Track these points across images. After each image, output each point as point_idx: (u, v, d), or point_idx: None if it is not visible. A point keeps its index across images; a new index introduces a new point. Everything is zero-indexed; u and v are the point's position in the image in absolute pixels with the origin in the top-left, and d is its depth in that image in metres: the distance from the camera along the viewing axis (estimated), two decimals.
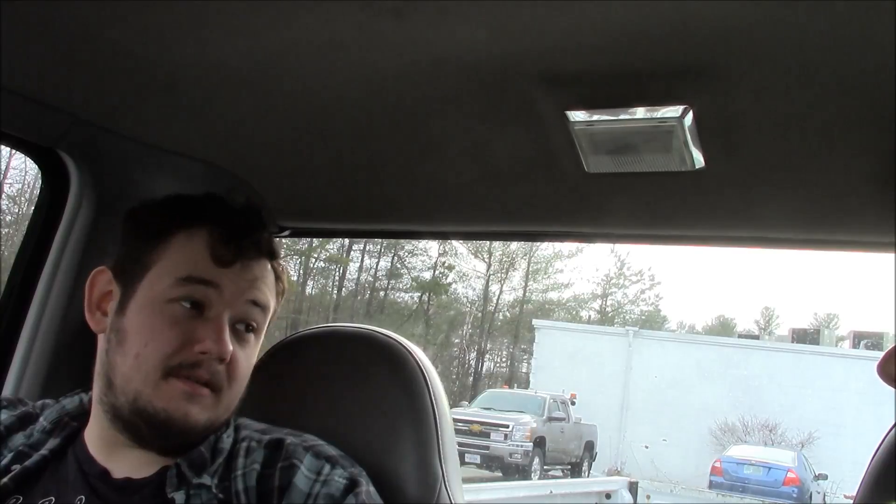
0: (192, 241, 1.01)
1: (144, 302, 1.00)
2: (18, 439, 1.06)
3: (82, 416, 1.07)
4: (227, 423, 1.06)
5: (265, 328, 1.08)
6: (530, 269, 32.25)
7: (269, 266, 1.08)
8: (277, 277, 1.09)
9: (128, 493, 0.99)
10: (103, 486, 1.00)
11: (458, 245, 29.74)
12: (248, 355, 1.05)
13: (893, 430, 1.08)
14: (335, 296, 31.70)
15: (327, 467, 1.01)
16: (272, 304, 1.08)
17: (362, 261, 31.53)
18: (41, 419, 1.08)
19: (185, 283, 1.00)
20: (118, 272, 1.05)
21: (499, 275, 31.70)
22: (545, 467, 16.54)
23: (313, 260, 30.92)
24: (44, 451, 1.03)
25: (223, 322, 1.00)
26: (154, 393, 0.97)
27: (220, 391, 1.01)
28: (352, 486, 1.00)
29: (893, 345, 0.90)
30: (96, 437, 1.03)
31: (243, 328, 1.04)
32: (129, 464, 1.01)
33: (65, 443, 1.05)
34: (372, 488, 1.03)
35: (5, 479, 1.00)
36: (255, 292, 1.04)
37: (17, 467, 1.01)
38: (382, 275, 31.90)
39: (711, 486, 17.63)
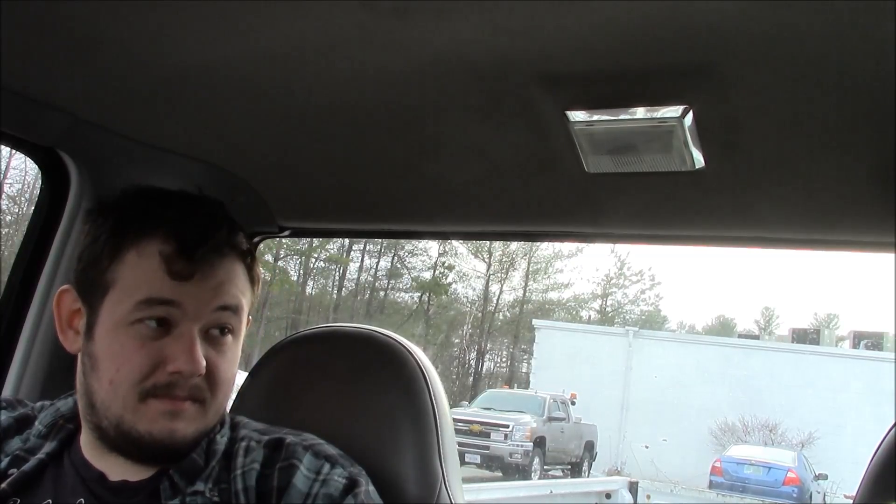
0: (145, 259, 0.96)
1: (109, 326, 0.97)
2: (15, 443, 1.05)
3: (78, 417, 1.06)
4: (220, 423, 1.05)
5: (243, 326, 1.04)
6: (530, 269, 32.28)
7: (237, 262, 1.02)
8: (249, 269, 1.04)
9: (125, 495, 0.99)
10: (101, 488, 1.00)
11: (458, 245, 29.77)
12: (229, 359, 1.02)
13: (893, 430, 1.08)
14: (335, 296, 31.71)
15: (327, 466, 1.01)
16: (245, 302, 1.03)
17: (362, 261, 31.57)
18: (36, 423, 1.07)
19: (145, 305, 0.95)
20: (81, 291, 1.01)
21: (499, 275, 31.72)
22: (545, 467, 16.54)
23: (313, 260, 30.93)
24: (41, 455, 1.02)
25: (192, 336, 0.96)
26: (135, 417, 0.95)
27: (204, 402, 0.99)
28: (351, 486, 1.00)
29: None
30: (89, 443, 1.03)
31: (218, 333, 1.00)
32: (124, 467, 1.00)
33: (61, 446, 1.04)
34: (371, 488, 1.02)
35: (3, 485, 0.99)
36: (222, 297, 0.99)
37: (14, 471, 1.01)
38: (382, 275, 31.95)
39: (711, 486, 17.63)
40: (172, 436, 0.96)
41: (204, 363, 0.96)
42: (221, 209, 1.04)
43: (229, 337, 1.02)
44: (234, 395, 1.27)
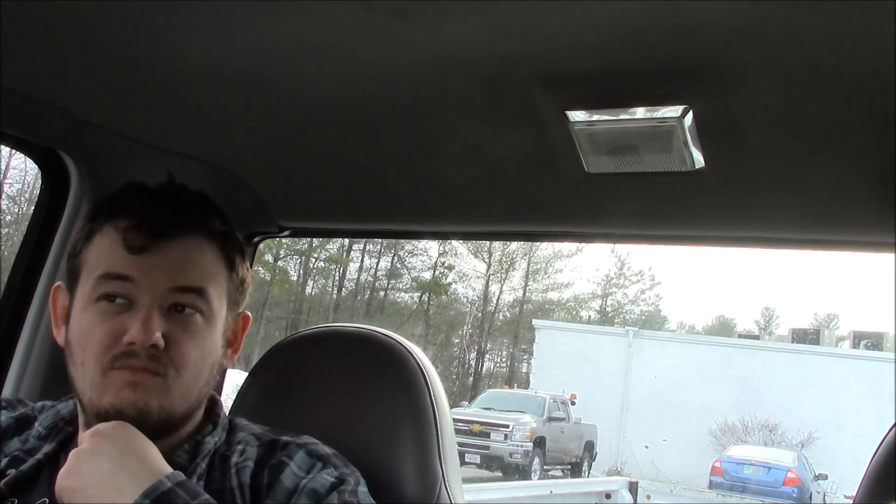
0: (107, 237, 1.00)
1: (78, 308, 1.00)
2: (14, 444, 1.05)
3: (77, 419, 1.06)
4: (213, 425, 1.05)
5: (217, 310, 1.03)
6: (530, 269, 32.28)
7: (205, 243, 1.01)
8: (224, 252, 1.03)
9: None
10: None
11: (458, 245, 29.77)
12: (198, 340, 1.00)
13: (893, 430, 1.08)
14: (335, 296, 31.71)
15: (318, 465, 1.01)
16: (214, 284, 1.01)
17: (362, 261, 31.57)
18: (36, 424, 1.07)
19: (103, 280, 0.98)
20: (66, 284, 1.04)
21: (499, 275, 31.72)
22: (545, 467, 16.54)
23: (313, 260, 30.93)
24: (39, 456, 1.02)
25: (150, 310, 0.96)
26: (100, 392, 0.96)
27: (166, 378, 0.97)
28: (338, 483, 1.00)
29: None
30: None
31: (182, 312, 0.99)
32: None
33: (60, 447, 1.04)
34: (362, 488, 1.02)
35: (0, 484, 0.99)
36: (178, 277, 0.98)
37: (12, 472, 1.01)
38: (382, 275, 31.94)
39: (711, 486, 17.63)
40: (135, 406, 0.96)
41: (158, 334, 0.96)
42: (192, 193, 1.04)
43: (198, 317, 1.00)
44: (234, 396, 1.28)
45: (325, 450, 1.04)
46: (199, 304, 1.00)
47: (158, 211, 1.00)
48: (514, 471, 15.43)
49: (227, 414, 1.11)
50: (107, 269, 0.98)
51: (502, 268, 31.64)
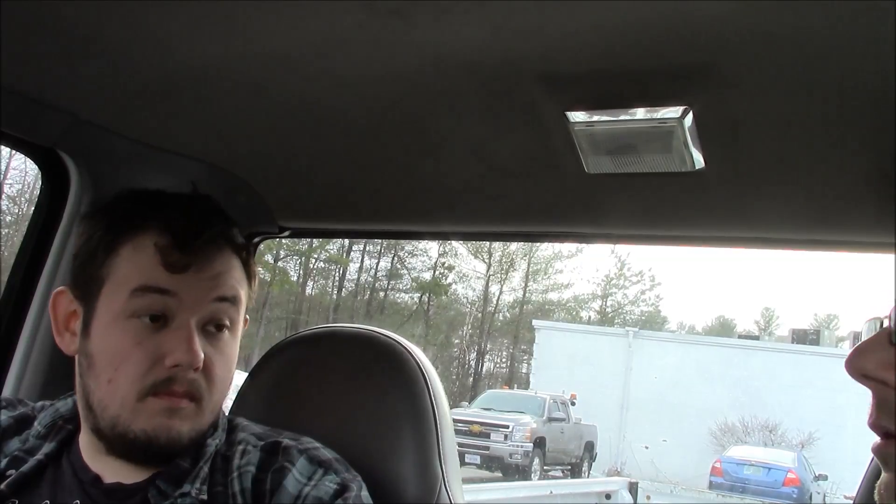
0: (140, 251, 0.97)
1: (106, 321, 0.97)
2: (14, 444, 1.05)
3: (77, 418, 1.06)
4: (213, 427, 1.05)
5: (241, 321, 1.04)
6: (530, 269, 32.28)
7: (233, 256, 1.03)
8: (245, 264, 1.05)
9: (118, 497, 0.99)
10: (96, 491, 1.00)
11: (458, 246, 29.77)
12: (226, 356, 1.02)
13: None
14: (335, 296, 31.71)
15: (320, 472, 1.01)
16: (243, 294, 1.03)
17: (362, 261, 31.57)
18: (36, 423, 1.07)
19: (140, 293, 0.96)
20: (77, 289, 1.01)
21: (499, 275, 31.72)
22: (545, 468, 16.55)
23: (313, 260, 30.93)
24: (40, 456, 1.02)
25: (191, 329, 0.96)
26: (132, 416, 0.95)
27: (201, 400, 0.98)
28: (342, 490, 1.00)
29: (862, 339, 0.86)
30: (87, 445, 1.03)
31: (214, 329, 1.00)
32: (120, 469, 1.00)
33: (60, 447, 1.04)
34: (364, 493, 1.02)
35: (2, 486, 0.99)
36: (219, 289, 0.99)
37: (12, 472, 1.01)
38: (382, 275, 31.95)
39: (711, 486, 17.63)
40: (169, 433, 0.96)
41: (202, 355, 0.96)
42: (215, 204, 1.05)
43: (226, 333, 1.02)
44: (233, 396, 1.28)
45: (327, 455, 1.04)
46: (232, 315, 1.01)
47: (192, 226, 0.98)
48: (514, 471, 15.43)
49: (226, 414, 1.11)
50: (144, 281, 0.96)
51: (502, 268, 31.64)
